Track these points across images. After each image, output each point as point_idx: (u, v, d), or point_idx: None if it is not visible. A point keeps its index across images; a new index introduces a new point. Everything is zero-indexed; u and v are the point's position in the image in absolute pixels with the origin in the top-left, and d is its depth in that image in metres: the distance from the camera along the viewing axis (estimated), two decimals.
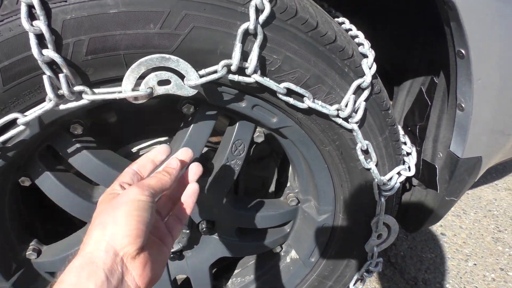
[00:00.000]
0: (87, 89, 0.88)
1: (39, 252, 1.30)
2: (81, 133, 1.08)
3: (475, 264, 2.31)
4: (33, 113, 0.88)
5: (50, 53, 0.82)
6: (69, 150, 1.10)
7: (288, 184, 1.48)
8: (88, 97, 0.88)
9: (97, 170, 1.12)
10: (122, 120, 1.28)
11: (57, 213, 1.49)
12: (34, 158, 1.10)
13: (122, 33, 0.86)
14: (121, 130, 1.29)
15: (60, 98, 0.87)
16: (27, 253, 1.29)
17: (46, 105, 0.87)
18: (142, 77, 0.90)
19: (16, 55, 0.84)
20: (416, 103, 1.49)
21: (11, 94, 0.88)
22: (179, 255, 1.40)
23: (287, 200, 1.41)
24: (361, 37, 1.13)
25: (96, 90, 0.89)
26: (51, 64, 0.85)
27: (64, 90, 0.85)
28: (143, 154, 1.34)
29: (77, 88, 0.87)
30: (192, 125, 1.13)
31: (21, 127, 0.90)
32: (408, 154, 1.34)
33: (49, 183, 1.13)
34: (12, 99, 0.89)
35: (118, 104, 0.99)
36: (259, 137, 1.23)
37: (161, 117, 1.29)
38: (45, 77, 0.84)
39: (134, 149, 1.31)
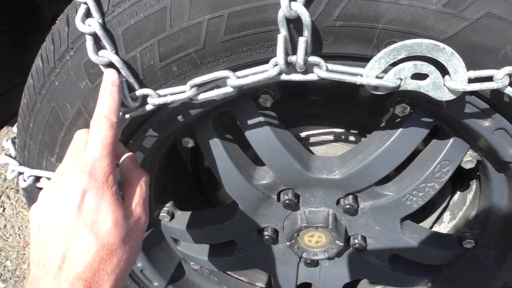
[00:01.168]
0: (322, 62, 0.69)
1: (172, 216, 1.20)
2: (268, 106, 0.91)
3: None
4: (249, 77, 0.71)
5: (298, 7, 0.63)
6: (250, 122, 0.94)
7: (462, 221, 1.21)
8: (322, 73, 0.69)
9: (273, 151, 0.95)
10: (301, 99, 1.10)
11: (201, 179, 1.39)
12: (207, 120, 0.96)
13: (391, 1, 0.64)
14: (296, 109, 1.11)
15: (288, 66, 0.69)
16: (161, 214, 1.19)
17: (269, 71, 0.70)
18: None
19: (254, 1, 0.67)
20: None
21: (227, 47, 0.72)
22: (315, 262, 1.23)
23: (460, 239, 1.15)
24: None
25: (330, 66, 0.69)
26: (290, 22, 0.66)
27: (298, 59, 0.67)
28: (312, 140, 1.18)
29: (312, 59, 0.68)
30: (400, 129, 0.90)
31: (228, 89, 0.74)
32: None
33: (215, 151, 0.99)
34: (225, 53, 0.73)
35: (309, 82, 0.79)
36: (468, 163, 0.97)
37: (346, 106, 1.09)
38: (280, 37, 0.67)
39: (303, 134, 1.13)
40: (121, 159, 0.80)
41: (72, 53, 0.78)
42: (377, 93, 0.72)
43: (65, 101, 0.83)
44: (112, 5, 0.71)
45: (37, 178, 0.97)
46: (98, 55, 0.73)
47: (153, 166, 1.08)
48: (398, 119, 0.92)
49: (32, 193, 1.04)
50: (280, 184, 1.05)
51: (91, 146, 0.67)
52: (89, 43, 0.72)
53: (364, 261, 1.19)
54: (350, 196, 1.05)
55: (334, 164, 1.00)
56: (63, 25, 0.78)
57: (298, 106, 1.15)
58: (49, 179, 0.95)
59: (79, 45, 0.76)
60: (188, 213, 1.21)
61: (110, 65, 0.74)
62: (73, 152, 0.72)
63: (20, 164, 0.99)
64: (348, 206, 1.04)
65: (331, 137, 1.12)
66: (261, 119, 0.93)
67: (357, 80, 0.69)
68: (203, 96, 0.75)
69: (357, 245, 1.15)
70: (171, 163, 1.21)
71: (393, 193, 1.00)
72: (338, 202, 1.08)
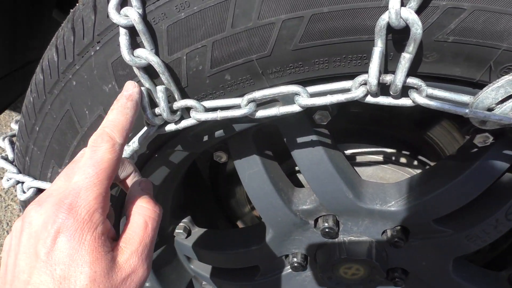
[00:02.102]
0: (423, 86, 0.54)
1: (189, 233, 1.05)
2: (325, 123, 0.76)
3: None
4: (326, 98, 0.56)
5: (409, 14, 0.48)
6: (301, 141, 0.79)
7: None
8: (420, 99, 0.54)
9: (324, 175, 0.81)
10: (351, 114, 0.95)
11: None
12: (247, 133, 0.81)
13: None
14: (343, 126, 0.96)
15: (377, 88, 0.54)
16: (176, 230, 1.04)
17: (355, 92, 0.55)
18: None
19: (350, 2, 0.51)
20: None
21: (300, 56, 0.57)
22: None
23: (510, 278, 1.03)
24: None
25: (430, 90, 0.55)
26: (389, 32, 0.52)
27: (397, 80, 0.52)
28: (358, 160, 1.04)
29: (411, 80, 0.54)
30: (478, 161, 0.77)
31: (295, 108, 0.59)
32: None
33: (253, 170, 0.84)
34: (296, 64, 0.58)
35: None
36: None
37: (405, 127, 0.95)
38: (377, 51, 0.52)
39: (348, 152, 0.99)
40: (129, 185, 0.63)
41: (97, 48, 0.61)
42: (483, 127, 0.58)
43: (83, 104, 0.67)
44: None
45: (39, 190, 0.81)
46: (133, 55, 0.57)
47: (174, 181, 0.93)
48: (475, 149, 0.78)
49: None
50: (321, 210, 0.91)
51: (80, 170, 0.52)
52: (123, 38, 0.56)
53: None
54: (399, 228, 0.92)
55: (389, 193, 0.86)
56: (88, 11, 0.62)
57: (342, 119, 1.01)
58: None
59: (108, 38, 0.60)
60: (206, 231, 1.06)
61: (148, 67, 0.58)
62: (65, 174, 0.56)
63: (19, 172, 0.83)
64: (396, 240, 0.91)
65: (380, 158, 0.97)
66: (314, 137, 0.78)
67: (466, 111, 0.54)
68: (262, 114, 0.60)
69: (396, 279, 1.02)
70: (188, 175, 1.07)
71: (453, 230, 0.87)
72: (383, 233, 0.94)
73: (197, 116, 0.60)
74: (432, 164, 1.03)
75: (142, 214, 0.56)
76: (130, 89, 0.57)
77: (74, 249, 0.48)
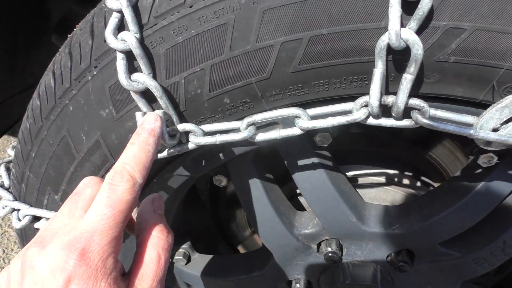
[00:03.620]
0: (426, 107, 0.53)
1: (188, 259, 1.03)
2: (326, 145, 0.75)
3: None
4: (327, 120, 0.55)
5: (409, 35, 0.47)
6: (302, 163, 0.77)
7: None
8: (422, 120, 0.53)
9: (326, 199, 0.79)
10: (352, 135, 0.94)
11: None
12: (247, 157, 0.80)
13: None
14: (344, 148, 0.95)
15: (378, 109, 0.53)
16: (175, 257, 1.02)
17: (356, 114, 0.54)
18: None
19: (349, 23, 0.51)
20: None
21: (299, 78, 0.56)
22: None
23: None
24: None
25: (432, 111, 0.54)
26: (389, 53, 0.51)
27: (399, 101, 0.51)
28: (360, 181, 1.03)
29: (414, 102, 0.53)
30: (482, 182, 0.75)
31: (296, 131, 0.58)
32: None
33: (253, 193, 0.82)
34: (295, 86, 0.57)
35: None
36: None
37: (407, 148, 0.93)
38: (377, 72, 0.51)
39: (349, 174, 0.97)
40: (140, 206, 0.59)
41: (95, 73, 0.61)
42: (488, 148, 0.56)
43: (80, 130, 0.66)
44: (154, 16, 0.55)
45: (35, 218, 0.79)
46: (130, 79, 0.56)
47: (173, 206, 0.91)
48: (480, 170, 0.76)
49: (27, 233, 0.86)
50: (324, 234, 0.88)
51: (95, 209, 0.47)
52: (121, 62, 0.55)
53: None
54: (405, 252, 0.89)
55: (393, 215, 0.84)
56: (85, 36, 0.61)
57: (343, 140, 1.00)
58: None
59: (105, 63, 0.60)
60: (207, 257, 1.04)
61: (145, 92, 0.57)
62: (68, 209, 0.51)
63: (15, 199, 0.81)
64: (401, 264, 0.88)
65: (382, 179, 0.96)
66: (315, 160, 0.77)
67: (470, 132, 0.53)
68: (261, 137, 0.59)
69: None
70: (187, 200, 1.05)
71: (461, 253, 0.85)
72: (388, 256, 0.92)
73: (196, 140, 0.59)
74: (435, 185, 1.02)
75: (156, 246, 0.52)
76: (152, 123, 0.54)
77: None
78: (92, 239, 0.45)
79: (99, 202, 0.48)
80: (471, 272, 0.87)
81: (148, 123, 0.54)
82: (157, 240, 0.53)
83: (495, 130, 0.54)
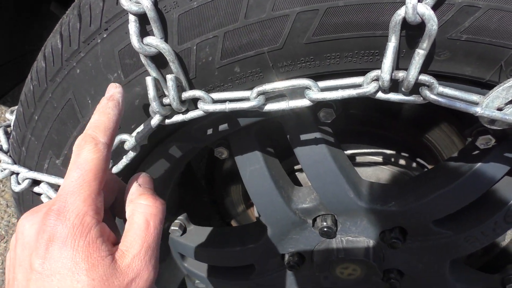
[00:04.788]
0: (435, 84, 0.54)
1: (184, 230, 1.04)
2: (329, 121, 0.76)
3: None
4: (338, 92, 0.56)
5: (425, 10, 0.48)
6: (304, 138, 0.78)
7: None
8: (431, 96, 0.54)
9: (326, 174, 0.81)
10: (351, 115, 0.95)
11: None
12: (249, 129, 0.80)
13: None
14: (344, 126, 0.96)
15: (389, 83, 0.54)
16: (171, 227, 1.03)
17: (366, 88, 0.55)
18: None
19: None
20: None
21: (312, 50, 0.57)
22: None
23: (504, 281, 1.04)
24: None
25: (441, 89, 0.55)
26: (403, 28, 0.52)
27: (409, 76, 0.52)
28: (358, 160, 1.04)
29: (424, 78, 0.54)
30: (479, 163, 0.77)
31: (305, 102, 0.58)
32: None
33: (254, 166, 0.83)
34: (307, 58, 0.58)
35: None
36: None
37: (406, 127, 0.95)
38: (391, 46, 0.52)
39: (348, 152, 0.99)
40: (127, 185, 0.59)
41: (105, 36, 0.60)
42: (492, 127, 0.58)
43: (86, 93, 0.66)
44: None
45: (35, 182, 0.78)
46: (142, 43, 0.56)
47: (172, 177, 0.91)
48: (477, 151, 0.78)
49: (24, 198, 0.85)
50: (320, 209, 0.90)
51: (67, 176, 0.50)
52: (133, 25, 0.55)
53: None
54: (397, 229, 0.92)
55: (390, 193, 0.86)
56: None
57: (343, 119, 1.01)
58: (50, 185, 0.77)
59: (116, 26, 0.59)
60: (202, 229, 1.05)
61: (157, 56, 0.57)
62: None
63: (14, 162, 0.80)
64: (394, 241, 0.91)
65: (379, 159, 0.98)
66: (318, 135, 0.78)
67: (476, 110, 0.54)
68: (271, 107, 0.60)
69: (392, 280, 1.02)
70: (183, 175, 1.05)
71: (453, 231, 0.88)
72: (381, 233, 0.94)
73: (205, 107, 0.59)
74: (429, 167, 1.04)
75: (143, 212, 0.52)
76: (111, 90, 0.55)
77: (67, 257, 0.45)
78: (66, 199, 0.48)
79: (69, 169, 0.50)
80: (461, 250, 0.90)
81: (107, 92, 0.55)
82: (144, 207, 0.53)
83: (499, 109, 0.56)
